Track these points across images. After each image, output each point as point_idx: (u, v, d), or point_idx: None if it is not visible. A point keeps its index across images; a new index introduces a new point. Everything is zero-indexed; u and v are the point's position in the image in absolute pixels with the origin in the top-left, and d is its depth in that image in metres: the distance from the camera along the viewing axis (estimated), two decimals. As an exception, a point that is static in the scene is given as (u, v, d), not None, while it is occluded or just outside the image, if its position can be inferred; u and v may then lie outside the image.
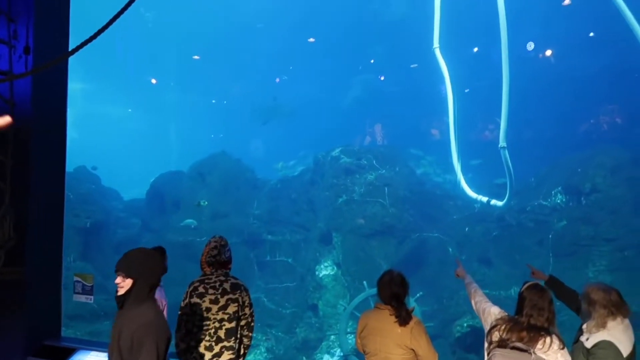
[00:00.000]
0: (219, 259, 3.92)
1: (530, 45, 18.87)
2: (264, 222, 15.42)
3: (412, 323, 3.43)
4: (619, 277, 10.95)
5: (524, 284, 3.24)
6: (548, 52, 19.75)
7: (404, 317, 3.44)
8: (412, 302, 10.95)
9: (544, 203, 13.27)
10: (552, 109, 18.40)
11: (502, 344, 3.00)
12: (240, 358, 3.92)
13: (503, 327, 3.09)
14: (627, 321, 3.25)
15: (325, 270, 13.21)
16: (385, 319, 3.49)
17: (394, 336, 3.42)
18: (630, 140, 14.04)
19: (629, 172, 12.50)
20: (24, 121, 4.66)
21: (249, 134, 28.46)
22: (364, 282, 12.04)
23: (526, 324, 3.00)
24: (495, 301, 3.54)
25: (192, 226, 14.76)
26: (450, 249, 13.71)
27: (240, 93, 29.31)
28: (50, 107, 5.05)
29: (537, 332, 2.95)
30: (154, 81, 31.72)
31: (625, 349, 3.12)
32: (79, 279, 5.11)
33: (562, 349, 2.92)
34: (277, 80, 28.20)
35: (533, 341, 2.93)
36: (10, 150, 4.57)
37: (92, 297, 5.06)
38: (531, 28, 18.94)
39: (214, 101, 31.87)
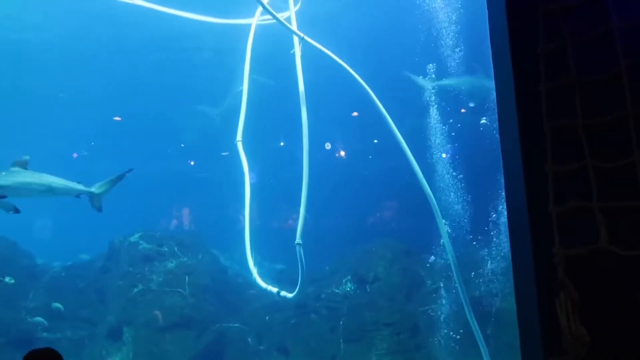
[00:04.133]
0: None
1: (328, 145, 21.20)
2: (40, 317, 13.30)
3: None
4: (395, 359, 12.15)
5: None
6: (342, 153, 22.38)
7: None
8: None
9: (337, 291, 14.25)
10: (344, 204, 20.50)
11: None
12: None
13: None
14: None
15: (112, 371, 11.80)
16: None
17: None
18: (403, 234, 16.26)
19: (403, 262, 14.37)
20: None
21: (33, 212, 25.02)
22: (156, 383, 11.04)
23: None
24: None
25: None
26: (249, 339, 13.59)
27: (28, 165, 25.97)
28: None
29: None
30: None
31: None
32: None
33: None
34: (75, 155, 25.93)
35: None
36: None
37: None
38: (329, 129, 21.27)
39: (-8, 172, 27.57)
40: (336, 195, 20.25)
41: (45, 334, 12.94)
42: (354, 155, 22.86)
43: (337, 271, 14.98)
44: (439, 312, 12.70)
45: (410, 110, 15.37)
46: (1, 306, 13.10)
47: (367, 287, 13.99)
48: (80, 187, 10.69)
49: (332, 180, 19.91)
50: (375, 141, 21.96)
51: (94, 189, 10.91)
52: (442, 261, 13.25)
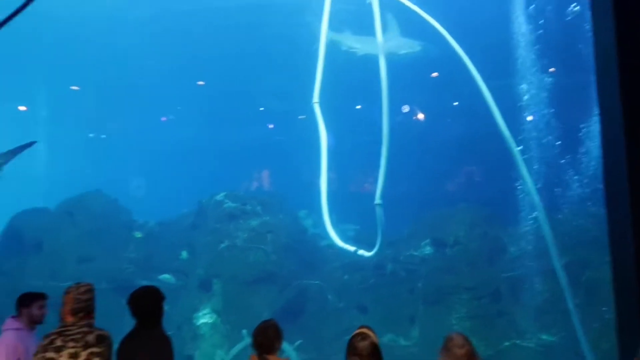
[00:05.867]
0: (79, 297, 3.62)
1: (405, 108, 20.80)
2: (140, 267, 14.54)
3: None
4: (476, 324, 12.06)
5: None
6: (420, 116, 21.90)
7: None
8: (290, 352, 10.97)
9: (415, 253, 14.27)
10: (422, 168, 20.19)
11: None
12: None
13: None
14: None
15: (204, 318, 12.74)
16: None
17: None
18: (485, 199, 15.80)
19: (484, 227, 14.03)
20: None
21: (129, 172, 26.98)
22: (243, 331, 11.78)
23: None
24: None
25: (171, 281, 13.47)
26: (329, 297, 14.05)
27: (122, 129, 27.89)
28: None
29: None
30: (22, 108, 28.94)
31: None
32: None
33: None
34: (163, 119, 27.40)
35: None
36: None
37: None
38: (406, 93, 20.88)
39: (91, 135, 29.86)
40: (414, 159, 19.97)
41: (144, 282, 14.12)
42: (432, 117, 22.29)
43: (415, 234, 14.95)
44: (523, 279, 12.37)
45: (495, 71, 14.67)
46: (107, 257, 14.44)
47: (447, 250, 13.88)
48: None
49: (410, 143, 19.62)
50: (456, 103, 21.26)
51: None
52: (527, 228, 12.82)
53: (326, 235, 15.44)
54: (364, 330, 3.24)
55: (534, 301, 12.02)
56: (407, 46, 17.01)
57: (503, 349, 11.82)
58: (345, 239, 15.24)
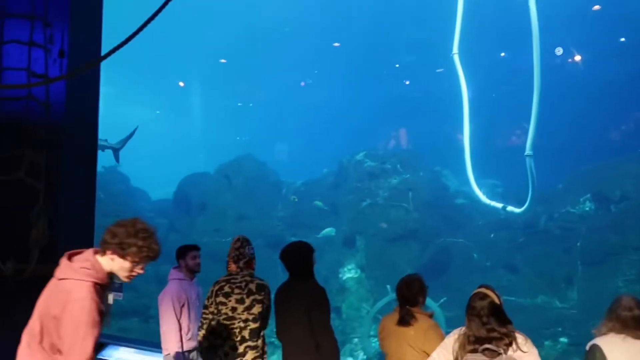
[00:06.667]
0: (242, 251, 3.96)
1: (559, 51, 18.52)
2: (288, 224, 15.53)
3: (426, 326, 3.44)
4: (648, 287, 10.67)
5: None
6: (577, 58, 19.37)
7: (404, 318, 3.46)
8: (435, 308, 10.91)
9: (572, 210, 13.02)
10: (580, 115, 18.04)
11: (473, 350, 2.93)
12: (265, 355, 3.95)
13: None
14: (631, 340, 3.12)
15: (349, 273, 13.24)
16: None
17: (407, 338, 3.46)
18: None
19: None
20: (57, 122, 4.83)
21: (274, 137, 28.67)
22: (388, 286, 11.99)
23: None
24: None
25: (332, 234, 14.80)
26: (475, 255, 13.57)
27: (266, 96, 29.58)
28: (83, 108, 5.21)
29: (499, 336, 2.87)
30: (181, 84, 32.25)
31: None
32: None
33: (526, 343, 2.87)
34: (302, 84, 28.35)
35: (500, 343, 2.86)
36: (44, 152, 4.73)
37: (121, 294, 5.18)
38: (559, 33, 18.61)
39: (240, 104, 32.22)
40: (571, 105, 17.93)
41: (293, 239, 15.07)
42: (592, 58, 19.57)
43: (572, 189, 13.59)
44: None
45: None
46: (260, 216, 15.68)
47: (612, 207, 12.37)
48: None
49: (565, 89, 17.61)
50: (623, 39, 18.40)
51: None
52: None
53: (470, 192, 14.84)
54: (484, 289, 3.02)
55: None
56: None
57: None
58: (491, 196, 14.45)
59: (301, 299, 3.75)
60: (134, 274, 2.56)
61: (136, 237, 2.48)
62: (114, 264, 2.52)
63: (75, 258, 2.57)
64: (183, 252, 4.74)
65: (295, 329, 3.74)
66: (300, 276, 3.88)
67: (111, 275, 2.58)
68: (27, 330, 2.59)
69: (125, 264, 2.51)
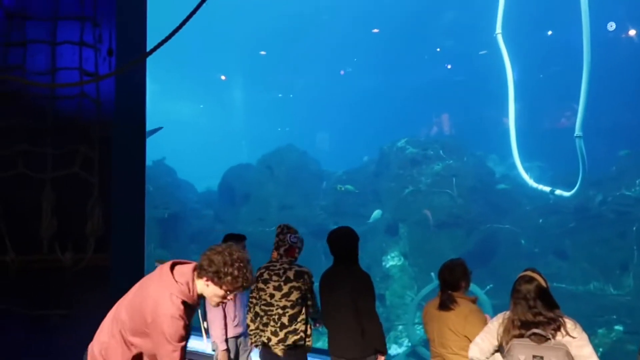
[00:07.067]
0: (282, 238, 4.03)
1: (611, 26, 17.57)
2: (330, 213, 15.61)
3: (467, 310, 3.42)
4: None
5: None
6: (632, 32, 18.33)
7: (445, 303, 3.45)
8: (481, 295, 10.73)
9: (627, 193, 12.43)
10: (634, 94, 17.12)
11: (519, 335, 2.87)
12: (308, 337, 4.03)
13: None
14: None
15: (392, 260, 13.20)
16: None
17: (448, 322, 3.46)
18: None
19: None
20: (108, 119, 5.05)
21: (315, 126, 28.77)
22: (432, 274, 11.89)
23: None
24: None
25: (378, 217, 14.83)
26: (523, 241, 13.23)
27: (305, 86, 29.68)
28: (131, 105, 5.43)
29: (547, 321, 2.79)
30: (223, 78, 32.83)
31: None
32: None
33: (576, 328, 2.78)
34: (342, 72, 28.25)
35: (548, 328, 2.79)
36: (97, 147, 4.97)
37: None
38: (612, 6, 17.66)
39: (280, 95, 32.48)
40: (623, 83, 17.05)
41: (335, 227, 15.18)
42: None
43: (627, 171, 12.96)
44: None
45: None
46: (302, 205, 15.84)
47: (671, 189, 11.76)
48: None
49: (618, 66, 16.76)
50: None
51: None
52: None
53: (516, 176, 14.44)
54: (530, 272, 2.96)
55: None
56: None
57: None
58: (539, 179, 14.00)
59: (345, 284, 3.80)
60: (225, 300, 2.65)
61: (232, 267, 2.54)
62: (208, 289, 2.61)
63: (177, 270, 2.66)
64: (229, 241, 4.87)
65: (341, 314, 3.80)
66: (345, 261, 3.93)
67: (201, 297, 2.66)
68: (114, 312, 2.73)
69: (219, 292, 2.59)
